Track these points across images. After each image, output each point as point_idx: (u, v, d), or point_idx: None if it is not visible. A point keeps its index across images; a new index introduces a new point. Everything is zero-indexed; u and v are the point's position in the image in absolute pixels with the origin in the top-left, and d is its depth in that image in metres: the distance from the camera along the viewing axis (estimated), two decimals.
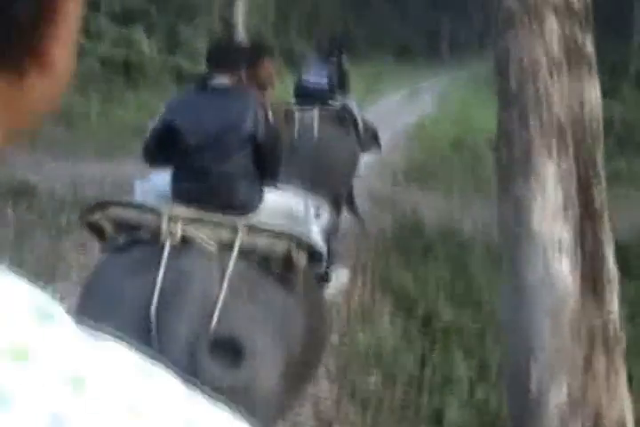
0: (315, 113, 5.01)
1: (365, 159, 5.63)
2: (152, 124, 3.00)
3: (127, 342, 0.36)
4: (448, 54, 43.43)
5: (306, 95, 5.14)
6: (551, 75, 2.23)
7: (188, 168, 2.78)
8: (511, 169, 2.29)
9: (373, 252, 5.58)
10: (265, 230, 2.53)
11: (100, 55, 12.85)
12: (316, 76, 5.25)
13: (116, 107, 10.86)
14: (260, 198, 2.87)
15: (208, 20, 15.68)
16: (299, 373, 2.52)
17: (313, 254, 2.62)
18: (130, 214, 2.56)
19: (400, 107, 16.33)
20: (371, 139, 5.55)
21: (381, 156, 9.04)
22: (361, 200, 6.18)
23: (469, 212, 7.55)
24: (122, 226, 2.55)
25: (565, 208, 2.18)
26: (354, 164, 5.29)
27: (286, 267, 2.49)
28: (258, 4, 16.40)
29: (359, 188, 6.01)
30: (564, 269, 2.17)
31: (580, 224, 2.19)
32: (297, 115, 4.99)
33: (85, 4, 0.38)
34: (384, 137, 6.33)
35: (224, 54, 2.97)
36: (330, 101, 5.21)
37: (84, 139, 8.79)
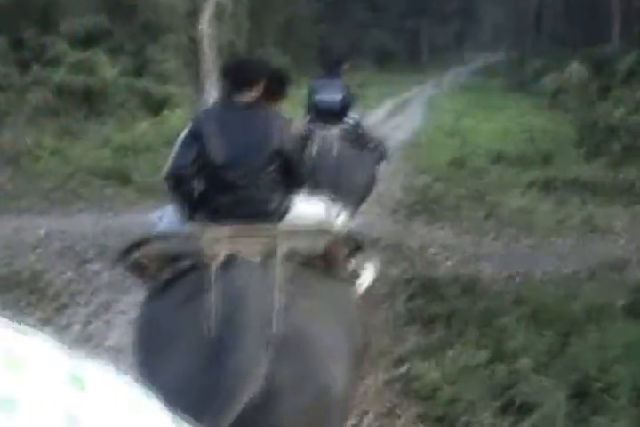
0: (335, 132, 5.09)
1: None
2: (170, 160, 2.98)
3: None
4: (428, 59, 42.64)
5: (323, 114, 5.21)
6: None
7: (218, 184, 2.87)
8: None
9: (382, 330, 4.35)
10: (302, 232, 2.62)
11: (56, 83, 11.63)
12: (330, 95, 5.29)
13: (75, 143, 9.58)
14: (289, 205, 3.00)
15: (173, 38, 14.51)
16: (359, 364, 2.49)
17: (351, 246, 2.70)
18: (168, 245, 2.56)
19: (389, 120, 15.32)
20: (381, 151, 5.58)
21: (376, 185, 7.99)
22: None
23: (486, 249, 6.45)
24: (162, 259, 2.54)
25: None
26: (372, 180, 5.37)
27: (328, 261, 2.55)
28: (230, 17, 15.34)
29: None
30: None
31: None
32: (318, 133, 5.03)
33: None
34: None
35: (244, 72, 2.99)
36: (345, 119, 5.28)
37: (33, 185, 7.57)
